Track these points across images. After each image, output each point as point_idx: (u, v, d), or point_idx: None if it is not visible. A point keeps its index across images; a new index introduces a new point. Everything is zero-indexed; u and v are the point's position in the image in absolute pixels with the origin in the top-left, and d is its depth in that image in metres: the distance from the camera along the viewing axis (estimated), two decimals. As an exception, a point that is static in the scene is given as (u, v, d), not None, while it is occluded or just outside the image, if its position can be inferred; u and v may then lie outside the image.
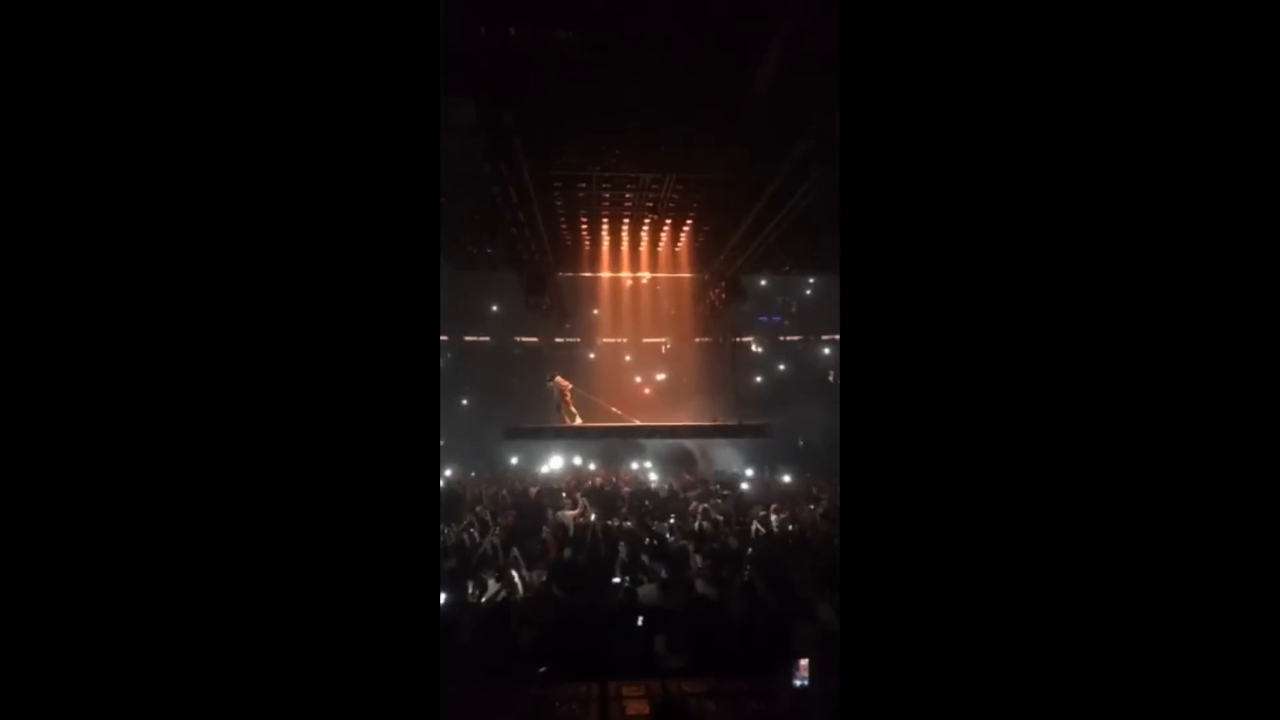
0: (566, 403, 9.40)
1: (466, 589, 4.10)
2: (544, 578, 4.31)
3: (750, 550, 4.98)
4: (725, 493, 8.93)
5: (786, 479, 10.85)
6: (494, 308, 16.30)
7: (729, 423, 10.44)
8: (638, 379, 15.01)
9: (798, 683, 2.66)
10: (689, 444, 13.72)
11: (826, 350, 16.39)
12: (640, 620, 3.47)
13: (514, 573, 4.25)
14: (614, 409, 9.78)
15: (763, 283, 14.50)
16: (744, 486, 10.14)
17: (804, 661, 2.68)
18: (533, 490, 9.05)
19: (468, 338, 16.71)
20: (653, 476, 11.99)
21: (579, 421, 9.51)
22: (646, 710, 2.58)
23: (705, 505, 7.02)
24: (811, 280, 15.00)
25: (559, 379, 9.46)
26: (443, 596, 3.88)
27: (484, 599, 4.00)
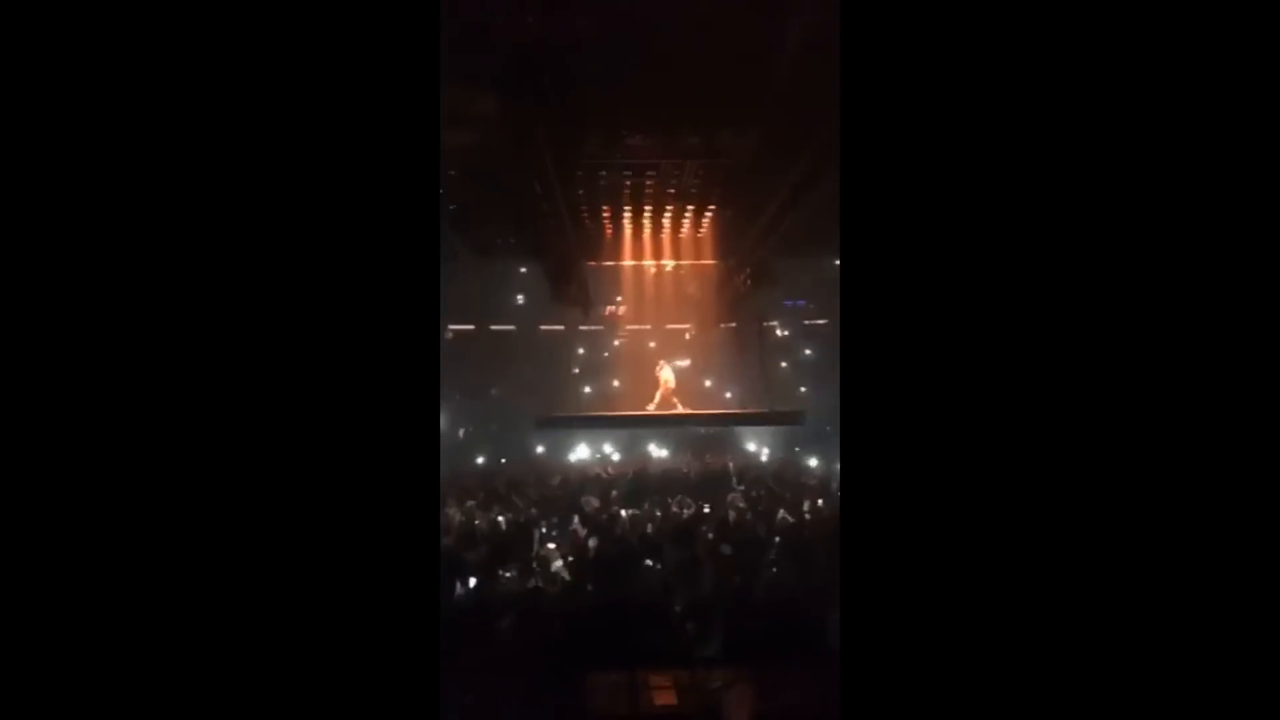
0: (668, 395, 9.24)
1: (499, 577, 4.16)
2: (573, 567, 4.35)
3: (778, 540, 4.96)
4: (754, 481, 8.90)
5: (813, 464, 10.74)
6: (519, 298, 16.40)
7: (760, 410, 10.31)
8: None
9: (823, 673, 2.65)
10: (718, 431, 13.64)
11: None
12: (668, 610, 3.50)
13: (549, 560, 4.29)
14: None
15: (786, 267, 14.28)
16: (773, 474, 10.08)
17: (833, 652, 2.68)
18: (557, 479, 9.12)
19: (493, 327, 16.83)
20: (681, 464, 11.99)
21: (680, 409, 9.36)
22: (674, 700, 2.60)
23: (733, 494, 7.01)
24: (837, 262, 14.73)
25: (666, 365, 9.25)
26: (472, 584, 3.96)
27: (518, 587, 4.05)
